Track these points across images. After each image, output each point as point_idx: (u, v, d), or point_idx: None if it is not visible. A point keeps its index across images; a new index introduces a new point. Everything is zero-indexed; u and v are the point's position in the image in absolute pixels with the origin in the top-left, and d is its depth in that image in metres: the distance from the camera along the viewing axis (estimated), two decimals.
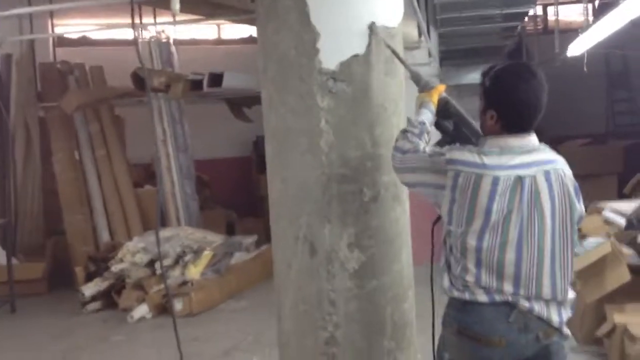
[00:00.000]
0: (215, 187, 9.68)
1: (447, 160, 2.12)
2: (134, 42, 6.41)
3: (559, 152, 2.24)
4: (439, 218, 2.26)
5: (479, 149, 2.14)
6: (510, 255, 2.06)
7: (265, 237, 6.13)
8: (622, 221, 5.60)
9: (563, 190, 2.12)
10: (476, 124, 2.36)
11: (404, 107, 2.72)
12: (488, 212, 2.05)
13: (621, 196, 8.09)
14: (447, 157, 2.13)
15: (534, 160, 2.11)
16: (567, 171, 2.18)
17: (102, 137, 7.79)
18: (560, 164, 2.17)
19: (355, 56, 2.51)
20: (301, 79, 2.54)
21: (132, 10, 2.18)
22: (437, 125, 2.41)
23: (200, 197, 8.54)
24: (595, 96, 11.89)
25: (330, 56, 2.51)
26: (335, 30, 2.51)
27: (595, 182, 9.51)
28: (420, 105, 2.39)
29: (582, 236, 5.15)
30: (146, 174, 8.72)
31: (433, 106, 2.38)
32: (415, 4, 3.83)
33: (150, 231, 6.61)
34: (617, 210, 5.89)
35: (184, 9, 3.53)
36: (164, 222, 7.56)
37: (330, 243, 2.49)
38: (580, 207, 2.19)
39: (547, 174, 2.10)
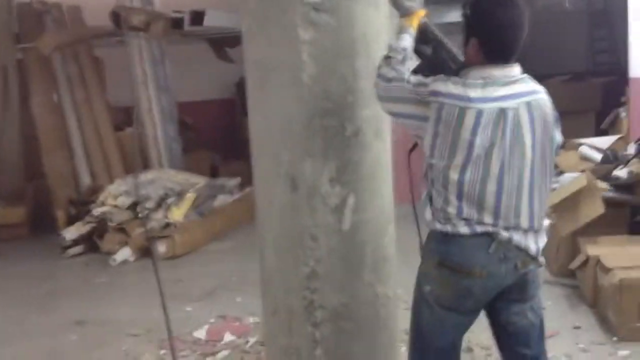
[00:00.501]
0: (198, 129, 9.57)
1: (431, 91, 2.09)
2: None
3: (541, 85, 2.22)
4: (415, 146, 2.25)
5: (463, 80, 2.10)
6: (491, 188, 2.07)
7: (248, 179, 6.10)
8: (598, 156, 5.67)
9: (544, 122, 2.13)
10: (456, 49, 2.33)
11: (388, 40, 2.65)
12: (471, 145, 2.04)
13: (598, 132, 8.17)
14: (431, 88, 2.09)
15: (516, 92, 2.09)
16: (548, 102, 2.18)
17: (82, 79, 7.63)
18: (541, 95, 2.16)
19: None
20: (283, 10, 2.46)
21: None
22: (416, 50, 2.36)
23: (183, 140, 8.45)
24: (575, 33, 11.84)
25: None
26: None
27: (573, 119, 9.53)
28: (400, 30, 2.34)
29: (559, 172, 5.22)
30: (127, 117, 8.59)
31: (413, 31, 2.33)
32: None
33: (133, 174, 6.56)
34: (594, 146, 5.96)
35: None
36: (146, 165, 7.49)
37: (312, 178, 2.46)
38: (558, 137, 2.22)
39: (529, 106, 2.09)
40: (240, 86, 9.55)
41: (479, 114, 2.03)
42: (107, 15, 6.82)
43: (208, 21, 6.70)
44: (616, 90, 8.22)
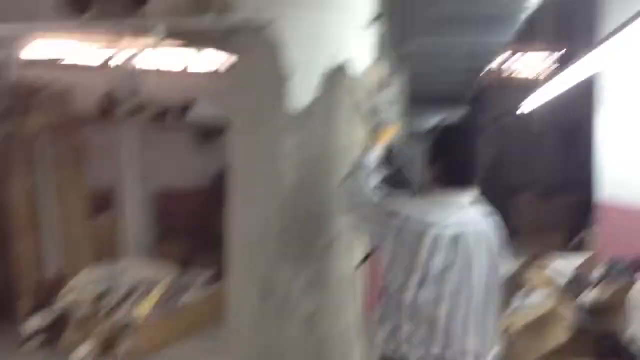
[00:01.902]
0: (173, 219, 9.49)
1: (393, 211, 2.12)
2: (103, 67, 6.35)
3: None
4: (367, 257, 2.24)
5: (423, 202, 2.15)
6: (442, 311, 2.07)
7: (221, 274, 6.01)
8: (566, 277, 5.71)
9: (491, 250, 2.17)
10: (418, 174, 2.37)
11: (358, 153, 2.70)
12: (426, 268, 2.06)
13: (568, 252, 8.26)
14: (393, 208, 2.13)
15: (470, 218, 2.14)
16: (496, 229, 2.21)
17: (62, 162, 7.59)
18: (492, 222, 2.21)
19: (324, 97, 2.51)
20: (269, 117, 2.52)
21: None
22: (382, 167, 2.41)
23: (157, 229, 8.37)
24: (547, 151, 12.25)
25: (300, 96, 2.50)
26: (306, 73, 2.51)
27: (543, 236, 9.74)
28: (369, 144, 2.40)
29: (527, 291, 5.22)
30: (104, 202, 8.52)
31: (381, 147, 2.39)
32: (383, 50, 3.86)
33: (102, 264, 6.42)
34: (563, 266, 6.01)
35: (164, 36, 3.49)
36: (118, 255, 7.36)
37: (284, 287, 2.43)
38: (504, 265, 2.24)
39: (481, 232, 2.14)
40: (220, 178, 9.59)
41: (436, 237, 2.06)
42: (95, 100, 6.90)
43: (194, 113, 6.79)
44: (586, 209, 8.40)
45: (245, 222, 2.56)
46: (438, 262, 2.05)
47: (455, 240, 2.08)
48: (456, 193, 2.15)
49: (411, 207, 2.11)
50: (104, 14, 2.65)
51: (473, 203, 2.17)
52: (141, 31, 3.26)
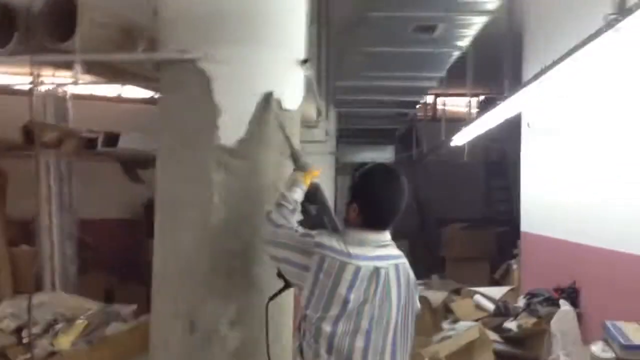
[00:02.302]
0: (100, 249, 9.24)
1: (316, 243, 2.18)
2: (27, 93, 6.18)
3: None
4: (276, 294, 2.36)
5: (344, 238, 2.22)
6: (359, 344, 2.14)
7: (146, 306, 5.88)
8: (491, 306, 5.89)
9: (408, 286, 2.25)
10: (337, 218, 2.45)
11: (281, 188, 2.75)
12: (346, 300, 2.13)
13: (492, 281, 8.52)
14: (316, 240, 2.19)
15: (387, 254, 2.24)
16: (410, 268, 2.30)
17: None
18: (405, 260, 2.30)
19: (253, 135, 2.55)
20: (198, 152, 2.54)
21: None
22: (303, 206, 2.47)
23: (81, 260, 8.11)
24: (474, 183, 12.67)
25: (229, 132, 2.53)
26: (236, 108, 2.54)
27: (470, 266, 10.06)
28: (293, 183, 2.44)
29: (454, 320, 5.36)
30: (25, 232, 8.21)
31: (305, 187, 2.44)
32: (315, 87, 3.96)
33: (21, 295, 6.17)
34: (487, 296, 6.21)
35: (89, 71, 3.47)
36: (38, 286, 7.09)
37: (211, 320, 2.44)
38: (417, 302, 2.33)
39: (397, 268, 2.23)
40: (148, 208, 9.41)
41: (357, 270, 2.14)
42: (18, 128, 6.69)
43: (122, 143, 6.70)
44: (510, 240, 8.71)
45: (171, 255, 2.56)
46: (358, 294, 2.12)
47: (376, 273, 2.16)
48: (375, 232, 2.24)
49: (333, 240, 2.18)
50: (26, 48, 2.60)
51: (389, 243, 2.27)
52: (66, 65, 3.24)
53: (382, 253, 2.21)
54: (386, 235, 2.27)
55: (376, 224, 2.25)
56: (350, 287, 2.12)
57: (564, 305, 5.52)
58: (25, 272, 6.94)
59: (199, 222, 2.50)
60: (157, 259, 2.64)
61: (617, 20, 3.33)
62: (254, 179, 2.56)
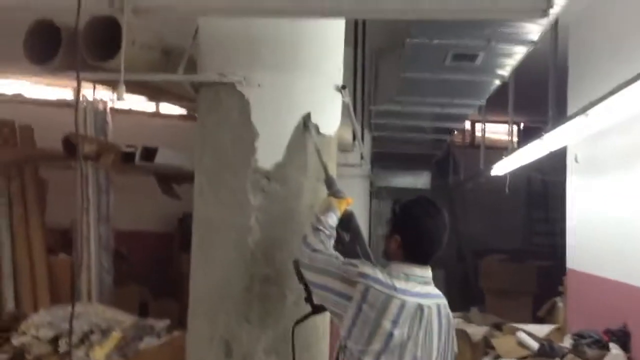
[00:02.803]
0: (134, 261, 9.36)
1: (360, 273, 2.13)
2: (69, 105, 6.31)
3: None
4: (309, 314, 2.30)
5: (388, 270, 2.19)
6: None
7: (179, 321, 5.92)
8: (535, 344, 5.71)
9: (448, 326, 2.22)
10: (368, 247, 2.43)
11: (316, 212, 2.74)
12: (390, 335, 2.08)
13: (535, 317, 8.23)
14: (360, 269, 2.15)
15: (429, 293, 2.20)
16: (449, 310, 2.26)
17: (22, 199, 7.48)
18: (445, 301, 2.26)
19: (291, 159, 2.55)
20: (236, 174, 2.55)
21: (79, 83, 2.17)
22: (336, 232, 2.43)
23: (116, 271, 8.22)
24: (515, 214, 12.34)
25: (267, 156, 2.54)
26: (274, 132, 2.56)
27: (511, 299, 9.69)
28: (328, 208, 2.40)
29: (495, 357, 5.22)
30: (63, 241, 8.36)
31: (339, 213, 2.41)
32: (352, 111, 3.95)
33: (58, 305, 6.28)
34: (531, 333, 6.02)
35: (129, 89, 3.52)
36: (75, 295, 7.21)
37: (247, 345, 2.43)
38: (456, 345, 2.28)
39: (438, 308, 2.19)
40: (183, 222, 9.53)
41: (402, 305, 2.09)
42: (59, 138, 6.84)
43: (159, 158, 6.78)
44: (553, 275, 8.39)
45: (208, 277, 2.57)
46: (402, 330, 2.08)
47: (420, 310, 2.12)
48: (418, 266, 2.20)
49: (377, 272, 2.15)
50: (70, 64, 2.65)
51: (430, 280, 2.23)
52: (108, 83, 3.30)
53: (424, 291, 2.18)
54: (428, 272, 2.23)
55: (419, 258, 2.21)
56: (395, 322, 2.07)
57: (614, 349, 5.32)
58: (62, 281, 7.05)
59: (235, 244, 2.51)
60: (194, 279, 2.65)
61: None
62: (291, 204, 2.55)
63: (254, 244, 2.49)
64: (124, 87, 2.15)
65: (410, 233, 2.22)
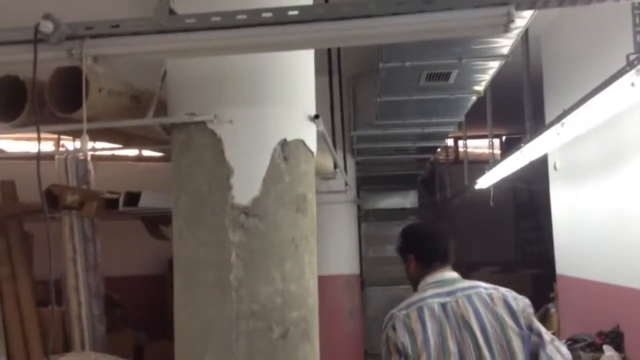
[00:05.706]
0: (127, 305, 9.25)
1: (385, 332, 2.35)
2: (49, 157, 6.29)
3: (470, 278, 2.45)
4: None
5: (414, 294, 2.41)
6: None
7: None
8: None
9: (490, 309, 2.32)
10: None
11: (315, 243, 2.74)
12: (427, 342, 2.24)
13: None
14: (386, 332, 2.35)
15: (454, 289, 2.37)
16: (496, 293, 2.38)
17: (8, 255, 7.40)
18: (483, 289, 2.39)
19: (268, 192, 2.55)
20: (213, 213, 2.54)
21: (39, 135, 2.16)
22: None
23: (110, 317, 8.10)
24: (503, 225, 12.39)
25: (243, 191, 2.54)
26: (249, 167, 2.56)
27: None
28: None
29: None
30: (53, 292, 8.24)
31: None
32: (328, 139, 3.96)
33: (52, 356, 6.17)
34: None
35: (101, 137, 3.52)
36: (67, 346, 7.10)
37: None
38: (512, 320, 2.34)
39: (469, 298, 2.33)
40: (172, 263, 9.44)
41: (420, 312, 2.30)
42: (41, 190, 6.79)
43: (143, 202, 6.75)
44: (545, 282, 8.43)
45: (192, 317, 2.54)
46: (435, 335, 2.25)
47: (442, 310, 2.29)
48: (435, 271, 2.44)
49: (402, 308, 2.35)
50: (37, 119, 2.65)
51: (457, 278, 2.44)
52: (75, 133, 3.28)
53: (449, 289, 2.36)
54: (450, 271, 2.44)
55: (433, 257, 2.45)
56: (424, 331, 2.25)
57: (608, 351, 5.32)
58: (54, 332, 6.94)
59: (217, 282, 2.49)
60: (178, 321, 2.63)
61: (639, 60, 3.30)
62: (272, 237, 2.54)
63: (237, 281, 2.47)
64: (87, 137, 2.14)
65: (416, 243, 2.53)
